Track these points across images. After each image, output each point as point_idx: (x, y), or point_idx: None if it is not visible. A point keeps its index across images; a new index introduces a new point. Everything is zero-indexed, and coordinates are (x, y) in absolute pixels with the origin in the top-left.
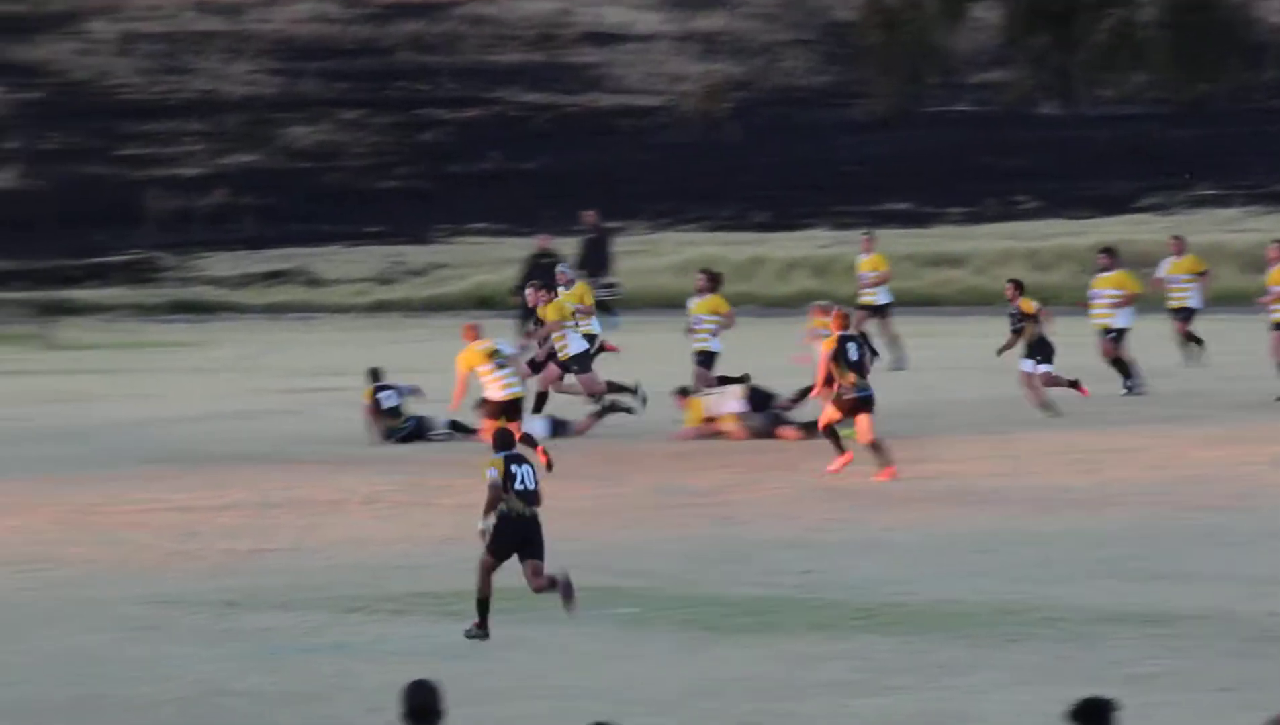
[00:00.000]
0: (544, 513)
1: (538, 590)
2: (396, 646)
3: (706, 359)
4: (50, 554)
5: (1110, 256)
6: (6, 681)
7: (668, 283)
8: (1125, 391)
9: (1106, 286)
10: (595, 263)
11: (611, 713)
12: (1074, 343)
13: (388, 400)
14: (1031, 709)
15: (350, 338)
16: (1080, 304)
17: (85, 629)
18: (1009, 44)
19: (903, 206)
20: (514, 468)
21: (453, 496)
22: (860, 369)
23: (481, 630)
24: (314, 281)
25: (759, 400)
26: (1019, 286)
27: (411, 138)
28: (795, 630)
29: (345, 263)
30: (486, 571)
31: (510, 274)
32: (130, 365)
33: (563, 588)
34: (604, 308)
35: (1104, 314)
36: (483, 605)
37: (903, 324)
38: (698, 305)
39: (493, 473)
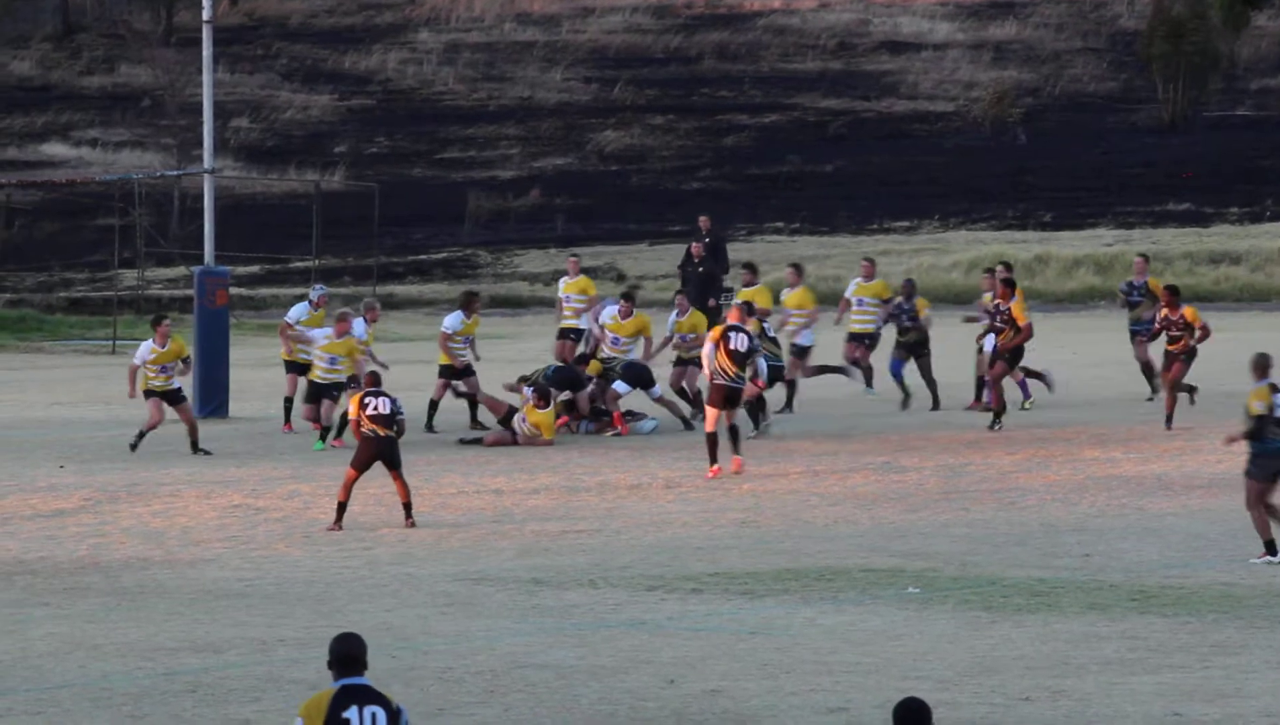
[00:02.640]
0: (830, 496)
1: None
2: (693, 623)
3: (801, 352)
4: (368, 534)
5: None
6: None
7: (957, 280)
8: None
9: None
10: (711, 269)
11: (896, 689)
12: None
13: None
14: None
15: None
16: None
17: (400, 604)
18: None
19: (1183, 207)
20: (368, 399)
21: (748, 482)
22: (741, 360)
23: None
24: (620, 277)
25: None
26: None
27: (715, 142)
28: (1073, 611)
29: (650, 260)
30: (348, 484)
31: (808, 272)
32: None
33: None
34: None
35: None
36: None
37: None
38: (788, 298)
39: (349, 407)
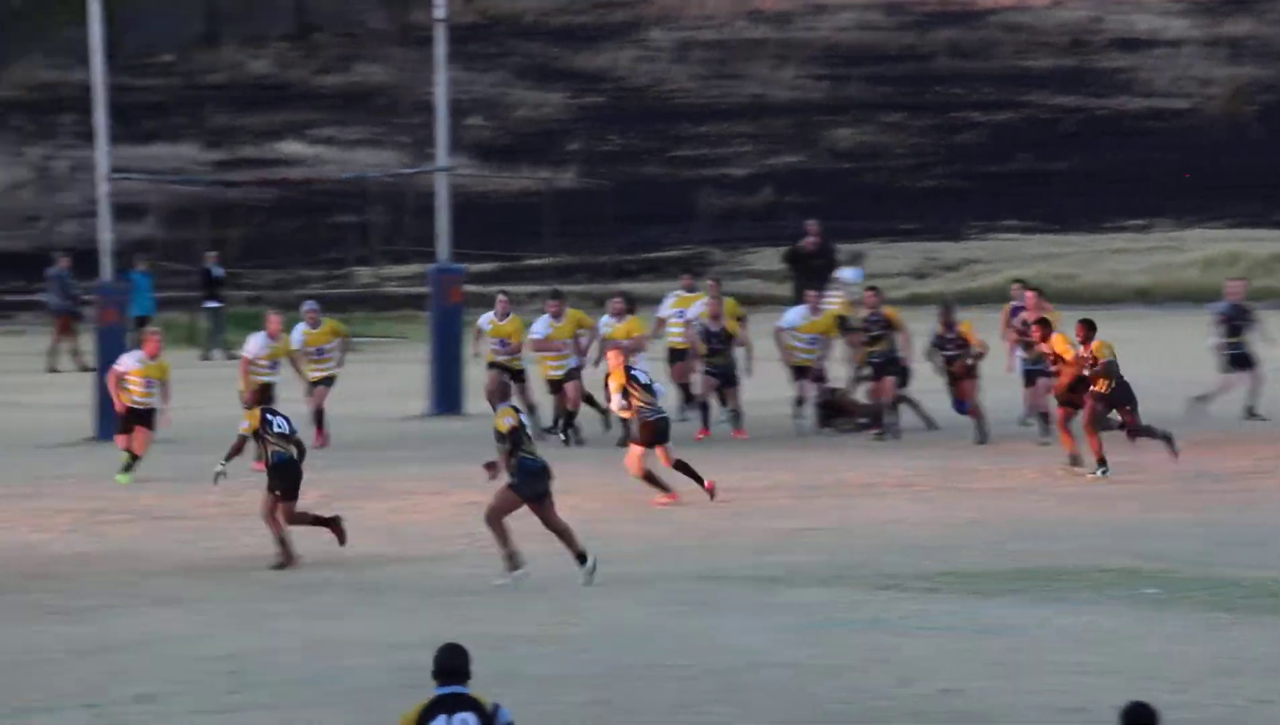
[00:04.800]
0: (1065, 496)
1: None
2: (928, 622)
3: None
4: (604, 531)
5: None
6: (573, 650)
7: (1193, 278)
8: None
9: None
10: (816, 273)
11: (1132, 689)
12: None
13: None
14: None
15: None
16: None
17: (637, 601)
18: None
19: None
20: (269, 417)
21: (981, 481)
22: (652, 390)
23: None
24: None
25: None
26: None
27: (947, 139)
28: None
29: (883, 258)
30: (269, 510)
31: (1039, 270)
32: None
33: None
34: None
35: None
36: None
37: None
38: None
39: (244, 423)
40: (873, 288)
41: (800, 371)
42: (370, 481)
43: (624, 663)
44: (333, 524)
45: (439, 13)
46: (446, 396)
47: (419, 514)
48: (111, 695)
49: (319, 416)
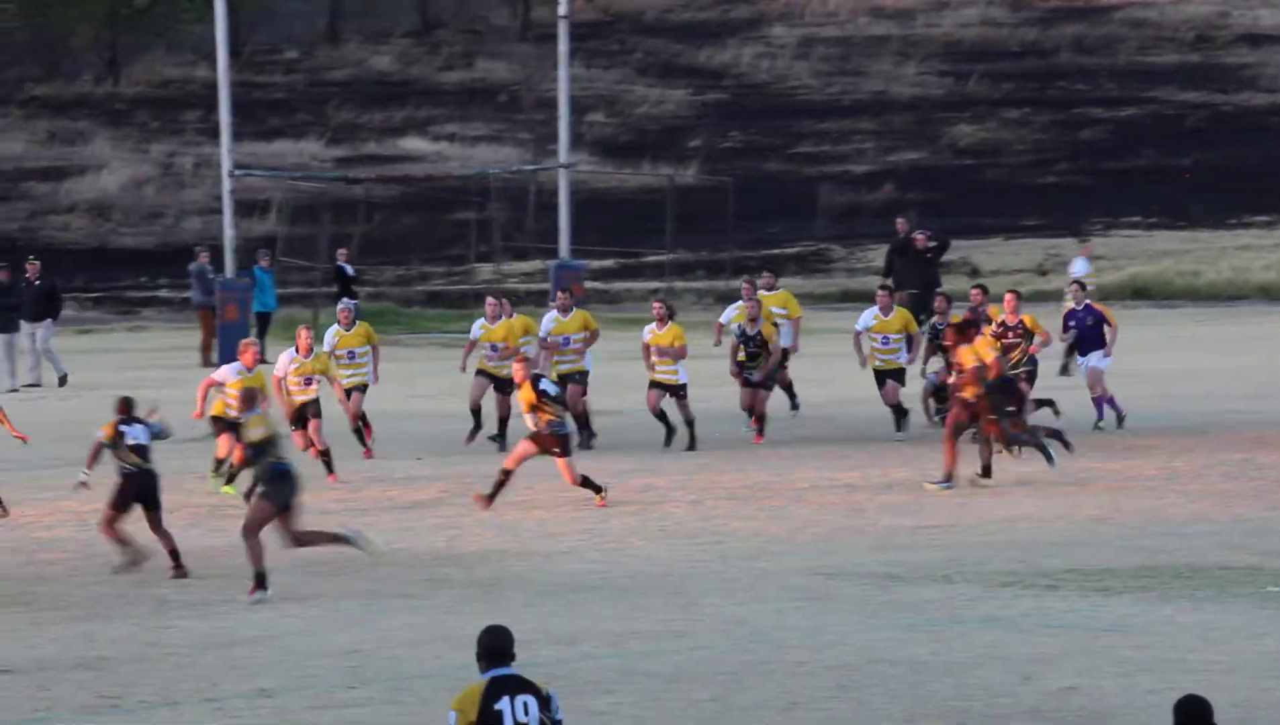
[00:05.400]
0: (1188, 493)
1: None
2: (1048, 620)
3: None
4: (721, 528)
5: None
6: (688, 646)
7: None
8: None
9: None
10: (903, 271)
11: (1255, 688)
12: None
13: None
14: None
15: None
16: None
17: (754, 598)
18: None
19: None
20: (124, 427)
21: (1101, 479)
22: (561, 401)
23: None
24: (974, 272)
25: None
26: None
27: (1070, 135)
28: None
29: (1005, 254)
30: (109, 523)
31: (1163, 267)
32: (806, 351)
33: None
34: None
35: None
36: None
37: None
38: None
39: (100, 433)
40: (1014, 291)
41: (883, 376)
42: (489, 477)
43: (741, 659)
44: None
45: (562, 9)
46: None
47: (537, 510)
48: (232, 690)
49: (359, 425)
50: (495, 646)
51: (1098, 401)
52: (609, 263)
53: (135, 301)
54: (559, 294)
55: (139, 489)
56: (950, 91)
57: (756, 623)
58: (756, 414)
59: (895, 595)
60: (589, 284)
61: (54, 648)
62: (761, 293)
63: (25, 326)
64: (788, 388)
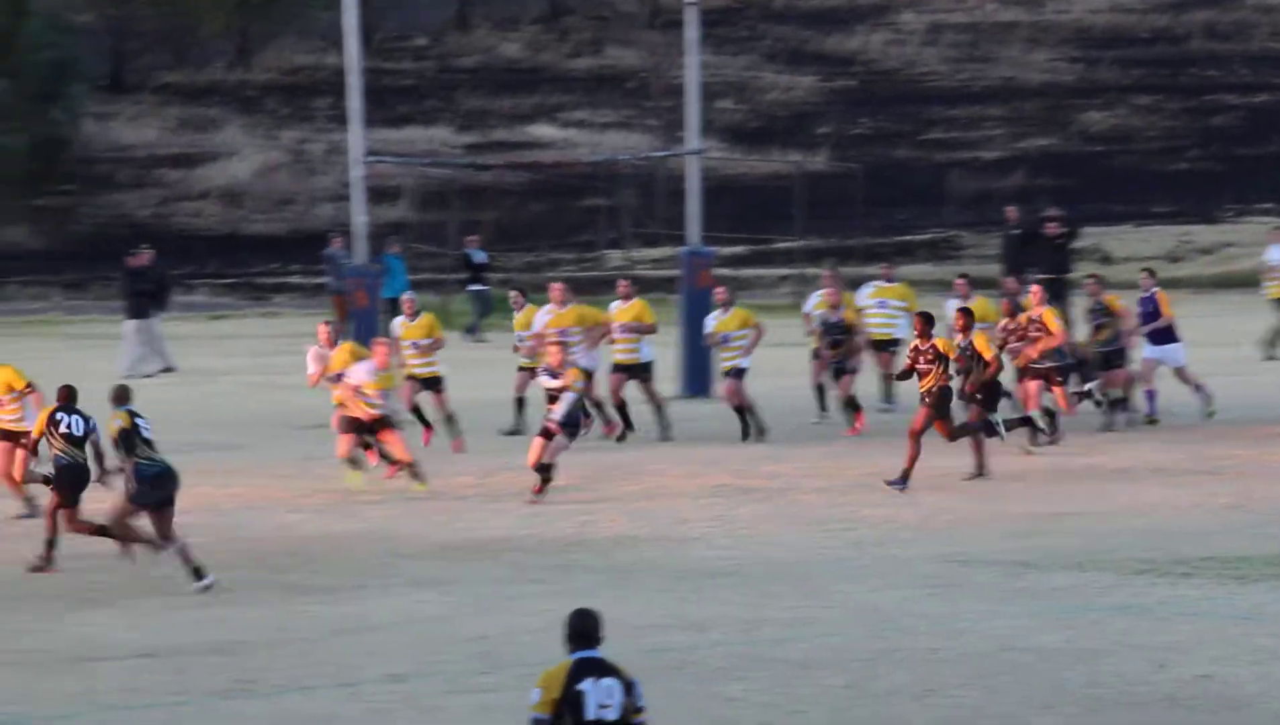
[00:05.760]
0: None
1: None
2: (1183, 608)
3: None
4: (851, 515)
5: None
6: (819, 633)
7: None
8: None
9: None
10: (1015, 262)
11: None
12: None
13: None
14: None
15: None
16: None
17: (885, 585)
18: None
19: None
20: (60, 415)
21: (1236, 466)
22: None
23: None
24: (1105, 259)
25: None
26: None
27: (1202, 122)
28: None
29: (1135, 241)
30: (70, 521)
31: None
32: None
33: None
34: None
35: None
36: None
37: None
38: (620, 312)
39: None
40: (1093, 276)
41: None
42: (621, 463)
43: (873, 647)
44: (108, 534)
45: None
46: (696, 379)
47: (669, 497)
48: (365, 675)
49: (418, 412)
50: (582, 629)
51: (1149, 393)
52: (739, 249)
53: (267, 287)
54: (620, 283)
55: (72, 478)
56: (1080, 78)
57: (888, 610)
58: (844, 397)
59: (1027, 582)
60: (718, 271)
61: (190, 632)
62: (880, 284)
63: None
64: (887, 379)
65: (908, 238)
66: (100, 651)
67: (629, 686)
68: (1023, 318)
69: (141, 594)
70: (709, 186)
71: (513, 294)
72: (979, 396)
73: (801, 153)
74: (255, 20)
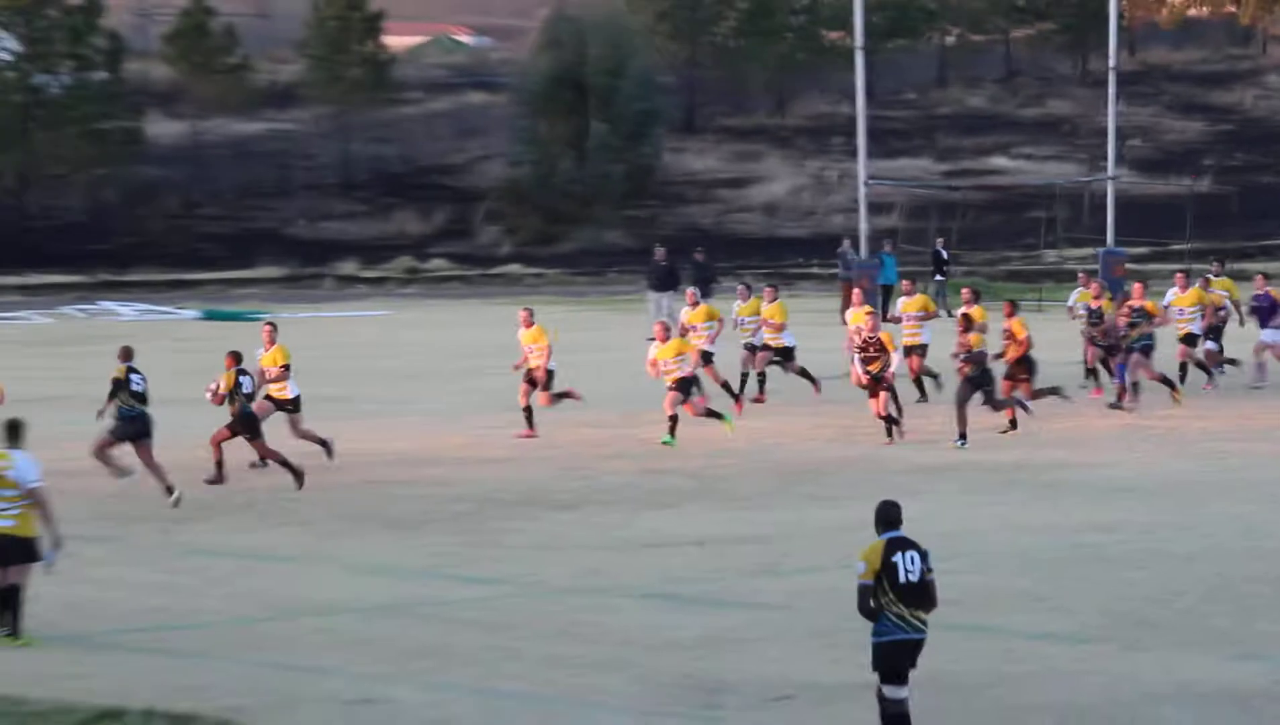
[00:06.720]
0: None
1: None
2: None
3: (920, 350)
4: (1225, 448)
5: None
6: (1199, 534)
7: None
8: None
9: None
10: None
11: None
12: None
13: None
14: None
15: None
16: None
17: (1249, 500)
18: None
19: None
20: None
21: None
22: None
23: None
24: None
25: None
26: None
27: None
28: None
29: None
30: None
31: None
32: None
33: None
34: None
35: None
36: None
37: None
38: (905, 304)
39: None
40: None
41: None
42: (1048, 406)
43: (1240, 545)
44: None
45: (1111, 62)
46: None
47: (1094, 428)
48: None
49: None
50: (890, 515)
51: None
52: (1143, 250)
53: (794, 276)
54: (739, 287)
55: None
56: None
57: (1251, 518)
58: (1125, 376)
59: None
60: (1130, 266)
61: (733, 527)
62: (1209, 277)
63: (653, 295)
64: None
65: (1269, 242)
66: (666, 539)
67: (924, 554)
68: None
69: (697, 498)
70: (1122, 203)
71: (739, 287)
72: None
73: (1192, 179)
74: (790, 78)
